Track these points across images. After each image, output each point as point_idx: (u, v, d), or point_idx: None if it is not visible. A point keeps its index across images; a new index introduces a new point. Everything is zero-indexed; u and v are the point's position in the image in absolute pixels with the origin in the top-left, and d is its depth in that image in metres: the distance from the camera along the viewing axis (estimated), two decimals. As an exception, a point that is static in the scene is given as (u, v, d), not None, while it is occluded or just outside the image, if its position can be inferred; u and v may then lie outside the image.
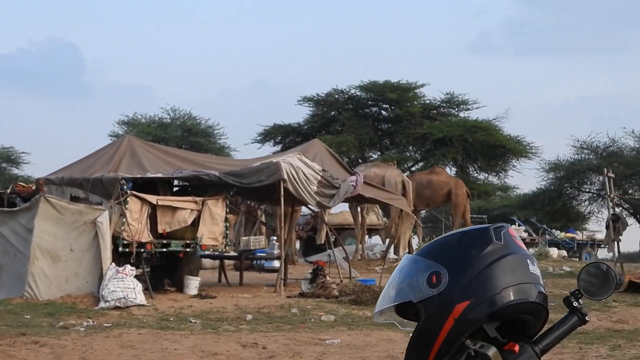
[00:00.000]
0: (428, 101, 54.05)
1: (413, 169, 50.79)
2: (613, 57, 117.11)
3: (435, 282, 2.62)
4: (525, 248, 2.75)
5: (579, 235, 50.14)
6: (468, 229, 2.79)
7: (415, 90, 53.68)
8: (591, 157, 53.44)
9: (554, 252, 42.03)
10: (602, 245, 43.04)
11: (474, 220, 42.33)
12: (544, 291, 2.73)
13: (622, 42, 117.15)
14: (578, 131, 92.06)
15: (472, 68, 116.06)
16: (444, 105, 54.38)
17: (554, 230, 51.28)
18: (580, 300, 2.79)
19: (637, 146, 52.93)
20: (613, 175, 29.81)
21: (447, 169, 47.05)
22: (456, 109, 54.67)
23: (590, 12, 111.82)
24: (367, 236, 36.82)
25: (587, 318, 2.79)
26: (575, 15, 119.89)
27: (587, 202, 55.40)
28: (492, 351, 2.60)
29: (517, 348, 2.67)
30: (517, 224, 47.81)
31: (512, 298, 2.62)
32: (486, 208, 60.24)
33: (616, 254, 27.58)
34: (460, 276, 2.62)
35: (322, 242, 31.97)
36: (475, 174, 54.55)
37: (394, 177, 30.79)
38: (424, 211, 41.39)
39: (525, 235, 44.51)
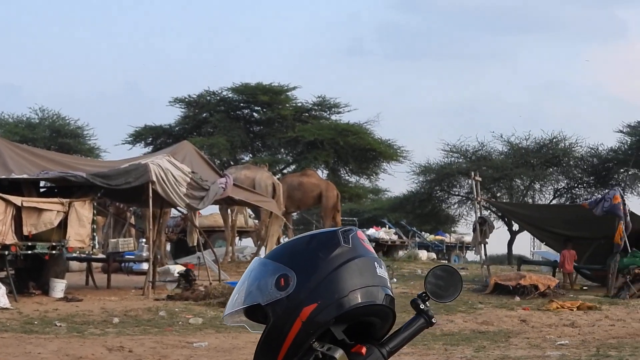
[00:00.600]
0: (300, 104, 54.22)
1: (285, 171, 50.95)
2: (479, 63, 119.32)
3: (284, 285, 2.64)
4: (373, 251, 2.78)
5: (448, 238, 50.86)
6: (316, 232, 2.82)
7: (287, 93, 53.87)
8: (460, 160, 54.34)
9: (423, 254, 42.55)
10: (470, 248, 43.89)
11: (345, 223, 42.75)
12: (391, 294, 2.74)
13: (487, 49, 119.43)
14: (448, 135, 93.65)
15: (345, 72, 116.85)
16: (316, 108, 54.65)
17: (423, 232, 51.94)
18: (427, 303, 2.80)
19: (506, 150, 54.05)
20: (480, 179, 30.48)
21: (319, 172, 47.28)
22: (328, 112, 55.00)
23: (458, 19, 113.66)
24: (237, 238, 36.87)
25: (433, 320, 2.80)
26: (444, 21, 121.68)
27: (456, 205, 56.23)
28: (339, 353, 2.63)
29: (364, 350, 2.69)
30: (387, 226, 48.34)
31: (359, 301, 2.64)
32: (357, 210, 60.70)
33: (483, 256, 28.20)
34: (308, 279, 2.64)
35: (194, 244, 31.92)
36: (347, 177, 54.99)
37: (264, 179, 30.90)
38: (295, 213, 41.64)
39: (395, 237, 45.04)
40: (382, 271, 2.73)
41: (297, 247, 2.76)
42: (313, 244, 2.73)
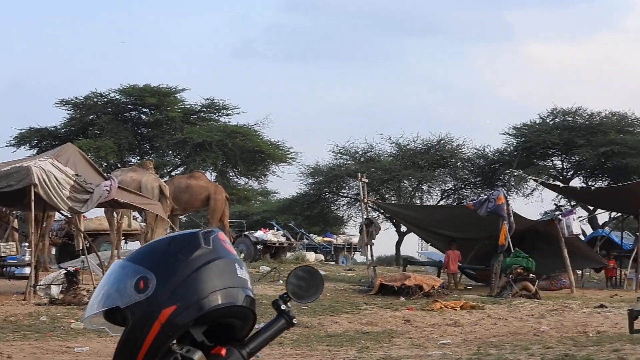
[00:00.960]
0: (188, 106, 54.18)
1: (173, 173, 50.77)
2: (369, 65, 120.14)
3: (143, 287, 2.63)
4: (234, 252, 2.78)
5: (335, 240, 51.09)
6: (177, 234, 2.81)
7: (176, 95, 53.74)
8: (350, 162, 54.74)
9: (311, 256, 42.66)
10: (358, 249, 44.25)
11: (233, 225, 42.75)
12: (251, 295, 2.74)
13: (377, 52, 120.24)
14: (337, 137, 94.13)
15: (234, 74, 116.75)
16: (205, 110, 54.64)
17: (311, 234, 52.09)
18: (288, 304, 2.82)
19: (394, 152, 54.60)
20: (367, 181, 30.73)
21: (208, 174, 47.22)
22: (217, 114, 55.05)
23: (349, 21, 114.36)
24: (123, 241, 36.53)
25: (294, 321, 2.83)
26: (334, 23, 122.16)
27: (345, 207, 56.66)
28: (198, 355, 2.64)
29: (223, 352, 2.70)
30: (275, 228, 48.38)
31: (219, 302, 2.64)
32: (246, 213, 60.72)
33: (369, 257, 28.46)
34: (167, 281, 2.63)
35: (81, 248, 31.53)
36: (236, 179, 55.12)
37: (150, 181, 30.63)
38: (183, 216, 41.45)
39: (283, 239, 45.14)
40: (243, 272, 2.74)
41: (157, 249, 2.75)
42: (173, 246, 2.73)
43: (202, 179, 37.27)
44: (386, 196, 53.08)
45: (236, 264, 2.74)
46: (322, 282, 2.94)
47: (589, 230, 44.30)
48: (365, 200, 29.42)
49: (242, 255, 37.06)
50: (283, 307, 2.82)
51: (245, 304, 2.72)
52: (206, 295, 2.65)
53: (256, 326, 2.77)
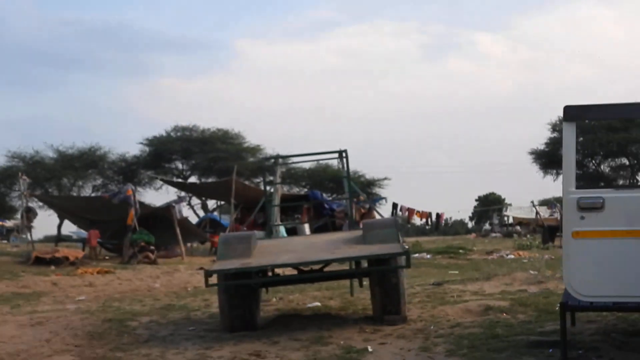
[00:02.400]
0: None
1: None
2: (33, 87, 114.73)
3: None
4: None
5: (6, 223, 49.02)
6: None
7: None
8: (21, 164, 52.81)
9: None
10: (20, 230, 42.75)
11: None
12: None
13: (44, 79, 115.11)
14: (11, 146, 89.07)
15: None
16: None
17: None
18: None
19: (56, 156, 53.17)
20: (27, 179, 30.01)
21: None
22: None
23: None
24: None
25: None
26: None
27: (16, 198, 54.56)
28: None
29: None
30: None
31: None
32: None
33: (29, 237, 27.83)
34: None
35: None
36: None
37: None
38: None
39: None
40: None
41: None
42: None
43: None
44: (50, 190, 51.45)
45: None
46: None
47: (202, 214, 45.29)
48: (25, 194, 28.64)
49: None
50: None
51: None
52: None
53: None
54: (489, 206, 71.74)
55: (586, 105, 6.96)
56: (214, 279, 10.13)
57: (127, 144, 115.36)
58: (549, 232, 35.27)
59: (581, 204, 6.84)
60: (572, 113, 6.91)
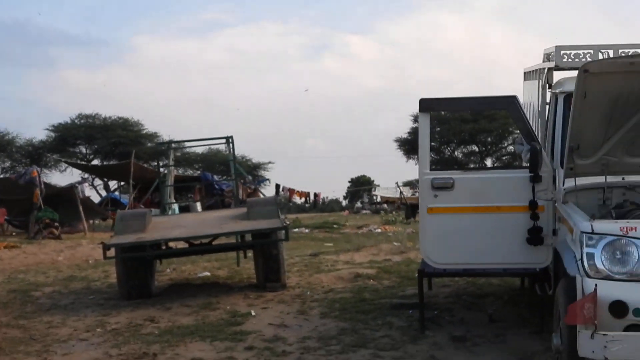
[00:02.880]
0: None
1: None
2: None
3: None
4: None
5: None
6: None
7: None
8: None
9: None
10: None
11: None
12: None
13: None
14: None
15: None
16: None
17: None
18: None
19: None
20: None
21: None
22: None
23: None
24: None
25: None
26: None
27: None
28: None
29: None
30: None
31: None
32: None
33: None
34: None
35: None
36: None
37: None
38: None
39: None
40: None
41: None
42: None
43: None
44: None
45: None
46: None
47: (104, 194, 44.13)
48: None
49: None
50: None
51: None
52: None
53: None
54: (360, 187, 72.80)
55: (438, 98, 7.10)
56: (111, 252, 10.00)
57: (34, 130, 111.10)
58: (411, 209, 35.98)
59: (434, 183, 6.97)
60: (426, 105, 7.04)
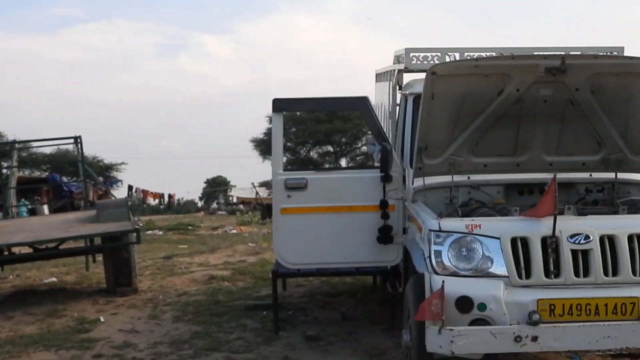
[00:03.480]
0: None
1: None
2: None
3: None
4: None
5: None
6: None
7: None
8: None
9: None
10: None
11: None
12: None
13: None
14: None
15: None
16: None
17: None
18: None
19: None
20: None
21: None
22: None
23: None
24: None
25: None
26: None
27: None
28: None
29: None
30: None
31: None
32: None
33: None
34: None
35: None
36: None
37: None
38: None
39: None
40: None
41: None
42: None
43: None
44: None
45: None
46: None
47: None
48: None
49: None
50: None
51: None
52: None
53: None
54: (216, 187, 72.29)
55: (290, 98, 7.09)
56: (-55, 259, 9.31)
57: None
58: (267, 209, 36.01)
59: (288, 184, 6.96)
60: (279, 105, 7.03)
